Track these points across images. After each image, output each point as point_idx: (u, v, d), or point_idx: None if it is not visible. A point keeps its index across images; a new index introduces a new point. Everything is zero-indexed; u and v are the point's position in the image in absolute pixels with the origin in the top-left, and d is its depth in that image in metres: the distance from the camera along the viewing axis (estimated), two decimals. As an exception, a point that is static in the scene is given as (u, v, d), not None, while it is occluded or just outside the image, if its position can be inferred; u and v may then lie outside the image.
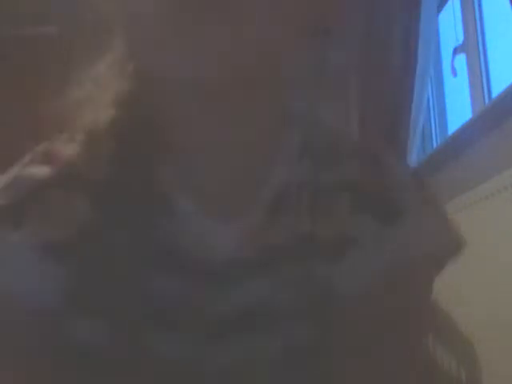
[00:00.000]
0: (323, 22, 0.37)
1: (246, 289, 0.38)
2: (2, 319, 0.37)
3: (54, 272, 0.36)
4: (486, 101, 1.93)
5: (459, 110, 2.27)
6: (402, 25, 2.32)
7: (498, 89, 1.82)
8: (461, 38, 2.12)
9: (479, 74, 1.98)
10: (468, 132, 1.84)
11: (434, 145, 2.45)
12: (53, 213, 0.37)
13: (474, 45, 2.03)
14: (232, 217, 0.37)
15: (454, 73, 2.18)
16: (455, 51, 2.15)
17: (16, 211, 0.37)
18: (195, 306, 0.38)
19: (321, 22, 0.37)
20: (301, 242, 0.37)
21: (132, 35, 0.36)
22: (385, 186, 0.41)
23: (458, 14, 2.16)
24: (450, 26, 2.25)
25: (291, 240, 0.37)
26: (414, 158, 2.30)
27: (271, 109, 0.37)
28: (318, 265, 0.37)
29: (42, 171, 0.38)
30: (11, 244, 0.37)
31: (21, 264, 0.37)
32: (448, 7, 2.35)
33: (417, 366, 0.43)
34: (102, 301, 0.36)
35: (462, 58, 2.12)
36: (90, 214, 0.37)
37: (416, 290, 0.42)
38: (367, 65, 2.60)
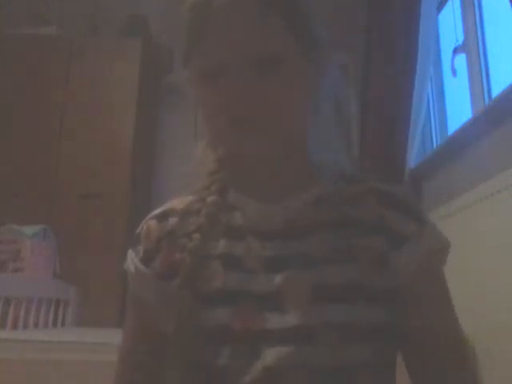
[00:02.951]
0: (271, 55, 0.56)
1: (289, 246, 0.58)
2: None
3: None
4: (486, 101, 1.93)
5: (459, 110, 2.27)
6: (402, 25, 2.32)
7: (498, 89, 1.83)
8: (461, 38, 2.12)
9: (479, 73, 1.98)
10: (468, 132, 1.84)
11: (434, 145, 2.45)
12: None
13: (474, 45, 2.03)
14: (280, 203, 0.61)
15: (454, 73, 2.18)
16: (455, 51, 2.15)
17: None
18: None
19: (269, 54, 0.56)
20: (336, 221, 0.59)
21: (212, 133, 0.62)
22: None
23: (458, 14, 2.17)
24: (450, 26, 2.26)
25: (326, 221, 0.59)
26: (413, 158, 2.31)
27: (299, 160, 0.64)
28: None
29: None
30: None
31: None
32: (448, 7, 2.35)
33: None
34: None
35: (462, 58, 2.12)
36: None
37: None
38: (366, 68, 2.61)
